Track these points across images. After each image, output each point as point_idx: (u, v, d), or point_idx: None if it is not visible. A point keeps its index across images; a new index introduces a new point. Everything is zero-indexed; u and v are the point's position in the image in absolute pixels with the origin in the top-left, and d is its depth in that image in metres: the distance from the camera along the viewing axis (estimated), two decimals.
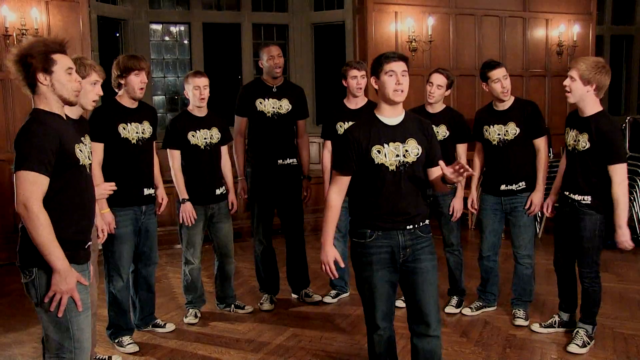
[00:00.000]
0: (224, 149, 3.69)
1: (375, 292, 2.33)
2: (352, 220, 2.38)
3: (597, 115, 2.91)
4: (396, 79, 2.25)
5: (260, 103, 3.79)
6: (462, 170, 2.16)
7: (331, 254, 2.34)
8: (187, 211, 3.48)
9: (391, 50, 2.40)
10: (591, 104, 2.92)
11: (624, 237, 2.93)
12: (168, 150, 3.51)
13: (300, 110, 3.91)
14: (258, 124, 3.82)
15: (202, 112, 3.57)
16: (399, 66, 2.26)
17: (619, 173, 2.86)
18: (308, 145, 4.06)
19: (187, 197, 3.48)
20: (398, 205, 2.29)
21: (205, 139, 3.53)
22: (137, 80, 3.12)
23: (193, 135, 3.50)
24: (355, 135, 2.29)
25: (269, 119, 3.79)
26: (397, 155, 2.27)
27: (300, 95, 3.95)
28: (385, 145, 2.27)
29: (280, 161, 3.82)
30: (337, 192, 2.36)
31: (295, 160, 3.91)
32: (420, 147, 2.31)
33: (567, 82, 2.94)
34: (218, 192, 3.60)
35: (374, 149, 2.27)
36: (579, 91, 2.90)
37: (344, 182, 2.34)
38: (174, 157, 3.51)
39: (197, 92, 3.48)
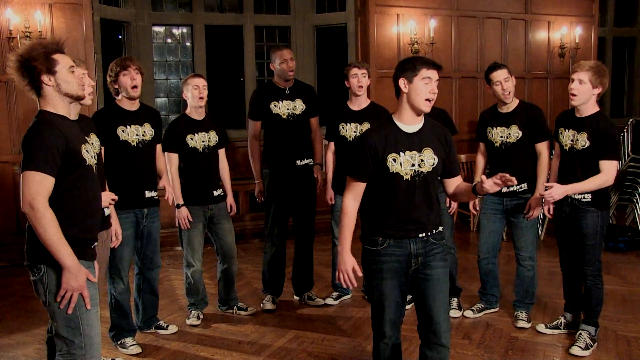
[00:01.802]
0: (222, 152, 3.71)
1: (385, 300, 2.29)
2: (363, 227, 2.32)
3: (596, 115, 2.99)
4: (431, 87, 2.19)
5: (275, 106, 3.81)
6: (504, 179, 2.14)
7: (349, 262, 2.25)
8: (183, 216, 3.49)
9: (427, 57, 2.29)
10: (592, 105, 3.00)
11: (560, 195, 2.95)
12: (166, 153, 3.52)
13: (312, 108, 3.93)
14: (274, 126, 3.83)
15: (200, 115, 3.58)
16: (434, 74, 2.20)
17: (611, 168, 2.93)
18: (321, 139, 4.06)
19: (182, 202, 3.50)
20: (411, 215, 2.24)
21: (203, 141, 3.54)
22: (126, 79, 3.13)
23: (191, 139, 3.51)
24: (372, 141, 2.22)
25: (285, 120, 3.81)
26: (413, 165, 2.22)
27: (311, 93, 3.98)
28: (402, 154, 2.21)
29: (298, 162, 3.85)
30: (352, 199, 2.28)
31: (311, 160, 3.93)
32: (436, 157, 2.25)
33: (575, 85, 2.97)
34: (216, 193, 3.61)
35: (390, 157, 2.21)
36: (586, 94, 2.96)
37: (360, 188, 2.27)
38: (172, 161, 3.52)
39: (196, 92, 3.49)
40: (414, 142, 2.24)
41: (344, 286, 2.32)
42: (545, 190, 2.98)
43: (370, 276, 2.32)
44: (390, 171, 2.21)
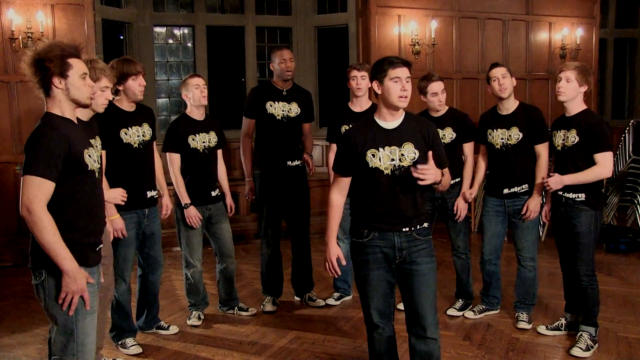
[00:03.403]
0: (219, 153, 3.72)
1: (370, 289, 2.38)
2: (352, 220, 2.42)
3: (583, 112, 3.10)
4: (401, 85, 2.27)
5: (271, 106, 3.82)
6: (422, 171, 2.19)
7: (334, 251, 2.39)
8: (192, 215, 3.49)
9: (394, 55, 2.39)
10: (578, 104, 3.10)
11: (558, 184, 3.03)
12: (168, 153, 3.53)
13: (307, 114, 3.95)
14: (267, 126, 3.85)
15: (201, 116, 3.59)
16: (403, 72, 2.27)
17: (605, 159, 3.00)
18: (312, 140, 4.07)
19: (189, 201, 3.50)
20: (393, 208, 2.31)
21: (204, 142, 3.55)
22: (135, 84, 3.13)
23: (193, 139, 3.52)
24: (352, 138, 2.33)
25: (279, 121, 3.82)
26: (392, 160, 2.29)
27: (308, 99, 4.00)
28: (380, 149, 2.30)
29: (289, 163, 3.86)
30: (338, 193, 2.41)
31: (303, 161, 3.94)
32: (417, 151, 2.31)
33: (562, 83, 3.08)
34: (214, 193, 3.62)
35: (369, 153, 2.30)
36: (573, 92, 3.06)
37: (344, 182, 2.39)
38: (174, 161, 3.52)
39: (198, 91, 3.50)
40: (393, 137, 2.32)
41: (330, 274, 2.46)
42: (545, 180, 3.06)
43: (358, 267, 2.41)
44: (370, 166, 2.30)
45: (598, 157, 3.00)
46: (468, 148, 3.65)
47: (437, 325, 2.38)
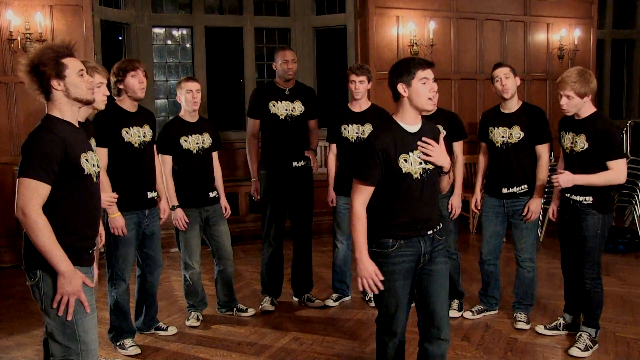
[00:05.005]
0: (215, 155, 3.72)
1: (399, 301, 2.31)
2: (371, 229, 2.29)
3: (593, 116, 3.02)
4: (430, 87, 2.22)
5: (274, 105, 3.83)
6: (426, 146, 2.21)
7: (371, 268, 2.24)
8: (179, 218, 3.50)
9: (418, 57, 2.33)
10: (588, 107, 3.03)
11: (569, 182, 2.96)
12: (160, 155, 3.53)
13: (311, 111, 3.95)
14: (272, 126, 3.85)
15: (194, 118, 3.59)
16: (429, 73, 2.23)
17: (620, 166, 2.94)
18: (318, 135, 4.03)
19: (177, 203, 3.51)
20: (420, 212, 2.28)
21: (197, 143, 3.56)
22: (135, 81, 3.14)
23: (185, 140, 3.53)
24: (383, 144, 2.22)
25: (283, 121, 3.83)
26: (420, 163, 2.26)
27: (311, 96, 4.00)
28: (410, 154, 2.25)
29: (295, 163, 3.85)
30: (362, 204, 2.27)
31: (308, 162, 3.93)
32: None
33: (564, 101, 3.00)
34: (211, 195, 3.63)
35: (401, 158, 2.23)
36: (577, 105, 2.99)
37: (369, 191, 2.27)
38: (166, 163, 3.52)
39: (190, 96, 3.50)
40: (417, 141, 2.27)
41: (369, 293, 2.30)
42: (555, 177, 3.00)
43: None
44: (403, 172, 2.24)
45: (611, 164, 2.93)
46: (458, 147, 3.67)
47: (449, 325, 2.37)
